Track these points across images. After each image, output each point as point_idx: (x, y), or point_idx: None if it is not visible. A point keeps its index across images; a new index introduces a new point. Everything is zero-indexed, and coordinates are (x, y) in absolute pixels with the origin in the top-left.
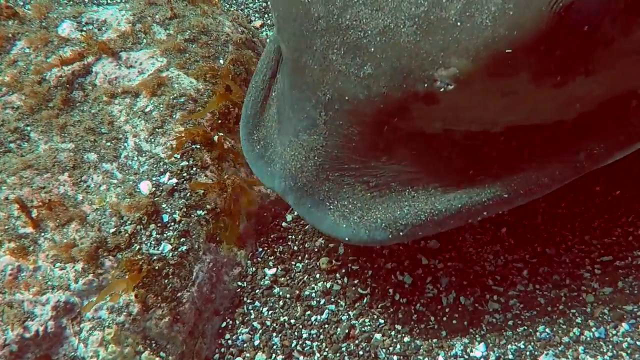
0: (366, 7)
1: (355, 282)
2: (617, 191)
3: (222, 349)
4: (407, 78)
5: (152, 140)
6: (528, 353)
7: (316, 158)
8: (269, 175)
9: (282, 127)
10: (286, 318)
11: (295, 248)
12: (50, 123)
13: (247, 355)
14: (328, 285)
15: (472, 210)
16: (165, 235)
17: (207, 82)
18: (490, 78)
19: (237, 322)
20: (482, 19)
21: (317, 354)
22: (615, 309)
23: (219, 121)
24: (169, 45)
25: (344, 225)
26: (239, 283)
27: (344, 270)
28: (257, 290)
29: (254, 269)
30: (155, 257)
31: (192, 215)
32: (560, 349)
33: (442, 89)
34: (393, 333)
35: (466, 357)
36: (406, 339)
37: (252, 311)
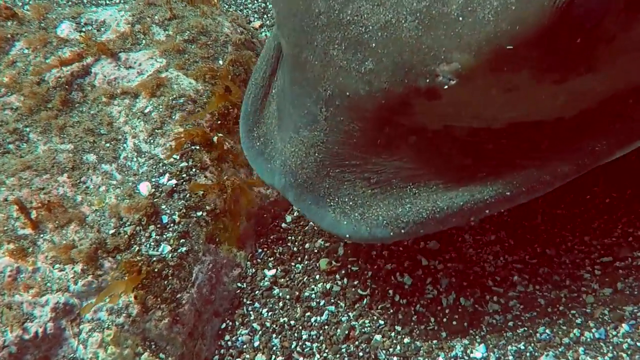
0: (367, 3)
1: (355, 283)
2: (616, 192)
3: (222, 350)
4: (409, 73)
5: (152, 141)
6: (528, 354)
7: (317, 154)
8: (269, 171)
9: (283, 124)
10: (286, 319)
11: (295, 249)
12: (49, 124)
13: (247, 356)
14: (328, 286)
15: (474, 208)
16: (164, 236)
17: (207, 83)
18: (492, 73)
19: (237, 323)
20: (484, 13)
21: (317, 355)
22: (615, 309)
23: (219, 122)
24: (168, 46)
25: (345, 222)
26: (239, 284)
27: (343, 272)
28: (256, 292)
29: (253, 270)
30: (154, 259)
31: (192, 216)
32: (560, 349)
33: (444, 84)
34: (393, 334)
35: (466, 358)
36: (406, 340)
37: (251, 312)
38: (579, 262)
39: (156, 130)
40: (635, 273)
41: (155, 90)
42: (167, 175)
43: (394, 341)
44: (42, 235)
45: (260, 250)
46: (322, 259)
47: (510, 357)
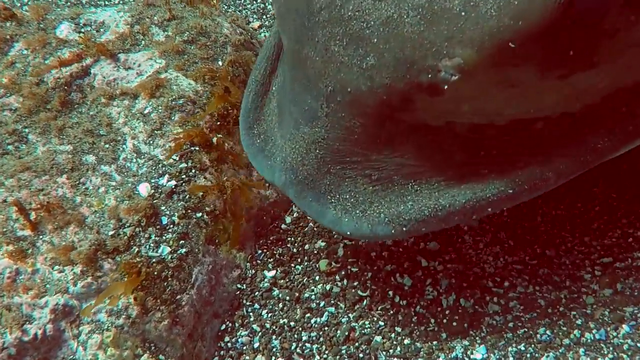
0: None
1: (355, 284)
2: (616, 193)
3: (222, 352)
4: (411, 69)
5: (151, 142)
6: (529, 355)
7: (317, 151)
8: (269, 168)
9: (283, 121)
10: (286, 320)
11: (295, 250)
12: (48, 125)
13: (247, 358)
14: (327, 287)
15: (476, 206)
16: (164, 237)
17: (206, 84)
18: (494, 68)
19: (237, 324)
20: (486, 8)
21: (317, 357)
22: (615, 310)
23: (218, 123)
24: (167, 47)
25: (346, 220)
26: (238, 285)
27: (343, 273)
28: (256, 293)
29: (253, 271)
30: (154, 260)
31: (191, 218)
32: (560, 351)
33: (446, 80)
34: (393, 335)
35: (466, 359)
36: (406, 341)
37: (251, 314)
38: (579, 262)
39: (155, 131)
40: (636, 274)
41: (154, 91)
42: (166, 176)
43: (394, 342)
44: (41, 237)
45: (259, 251)
46: (322, 260)
47: (511, 358)
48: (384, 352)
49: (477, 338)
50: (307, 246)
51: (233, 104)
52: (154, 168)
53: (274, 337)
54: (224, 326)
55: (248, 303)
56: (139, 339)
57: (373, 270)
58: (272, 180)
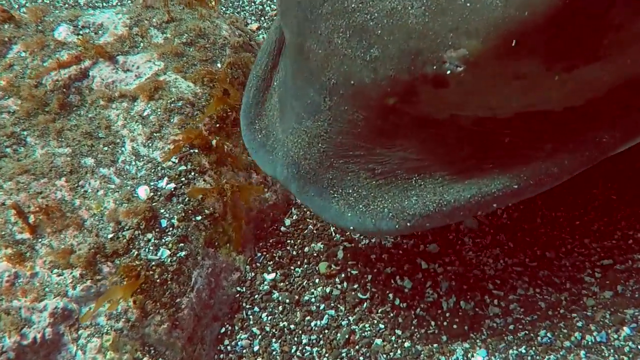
0: None
1: (355, 286)
2: (616, 194)
3: (222, 355)
4: (416, 60)
5: (150, 144)
6: (529, 358)
7: (320, 145)
8: (271, 163)
9: (285, 116)
10: (286, 323)
11: (294, 253)
12: (47, 127)
13: None
14: (327, 290)
15: (481, 202)
16: (163, 240)
17: (205, 86)
18: (499, 60)
19: (236, 327)
20: None
21: None
22: (616, 313)
23: (217, 125)
24: (166, 49)
25: (349, 214)
26: (238, 288)
27: (343, 275)
28: (256, 296)
29: (252, 274)
30: (153, 263)
31: (191, 220)
32: (561, 353)
33: (451, 71)
34: (393, 338)
35: None
36: (407, 344)
37: (251, 317)
38: (579, 264)
39: (154, 134)
40: (636, 276)
41: (153, 94)
42: (165, 179)
43: (395, 345)
44: (40, 240)
45: (259, 254)
46: (322, 262)
47: None
48: (385, 355)
49: (478, 341)
50: (306, 249)
51: (232, 106)
52: (153, 171)
53: (273, 340)
54: (223, 329)
55: (248, 306)
56: (138, 343)
57: (373, 273)
58: (274, 175)
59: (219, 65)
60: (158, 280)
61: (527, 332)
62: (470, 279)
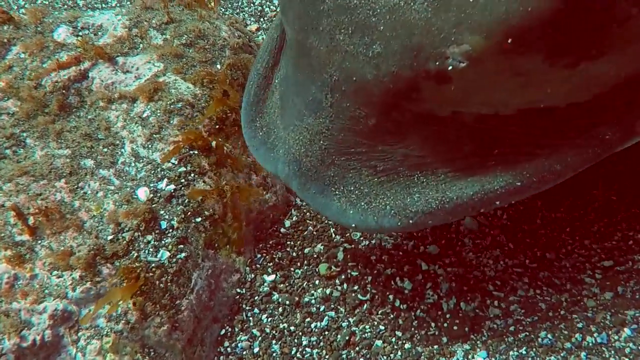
0: None
1: (355, 288)
2: (616, 195)
3: (221, 357)
4: (418, 56)
5: (150, 146)
6: (530, 359)
7: (321, 142)
8: (272, 160)
9: (286, 113)
10: (286, 325)
11: (294, 254)
12: (46, 129)
13: None
14: (327, 291)
15: (484, 199)
16: (163, 242)
17: (205, 87)
18: (502, 56)
19: (236, 329)
20: None
21: None
22: (617, 314)
23: (217, 126)
24: (165, 50)
25: (351, 212)
26: (238, 290)
27: (343, 277)
28: (256, 297)
29: (252, 275)
30: (153, 265)
31: (191, 222)
32: (562, 354)
33: (454, 67)
34: (394, 340)
35: None
36: (407, 345)
37: (251, 318)
38: (579, 265)
39: (154, 135)
40: (636, 277)
41: (153, 95)
42: (165, 180)
43: (395, 347)
44: (39, 242)
45: (259, 255)
46: (322, 264)
47: None
48: (385, 357)
49: (478, 342)
50: (306, 250)
51: (232, 107)
52: (152, 172)
53: (273, 341)
54: (223, 331)
55: (248, 307)
56: (138, 345)
57: (373, 274)
58: (275, 173)
59: (218, 66)
60: (158, 282)
61: (527, 333)
62: (470, 280)
